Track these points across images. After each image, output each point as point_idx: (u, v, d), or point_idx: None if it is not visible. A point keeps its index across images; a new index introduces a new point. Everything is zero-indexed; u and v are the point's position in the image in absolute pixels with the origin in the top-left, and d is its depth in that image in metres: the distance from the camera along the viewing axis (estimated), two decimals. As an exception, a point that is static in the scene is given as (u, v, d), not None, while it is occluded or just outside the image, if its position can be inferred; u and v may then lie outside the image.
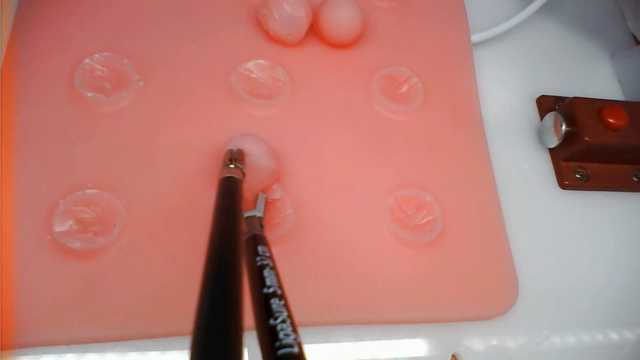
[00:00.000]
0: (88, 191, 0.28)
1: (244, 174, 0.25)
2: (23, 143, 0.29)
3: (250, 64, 0.34)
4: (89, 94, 0.31)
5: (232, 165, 0.25)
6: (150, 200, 0.29)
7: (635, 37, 0.45)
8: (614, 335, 0.32)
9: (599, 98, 0.36)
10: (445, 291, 0.30)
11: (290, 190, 0.30)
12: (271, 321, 0.17)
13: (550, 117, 0.36)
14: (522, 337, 0.31)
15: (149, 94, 0.32)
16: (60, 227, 0.26)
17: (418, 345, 0.29)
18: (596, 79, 0.43)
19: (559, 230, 0.35)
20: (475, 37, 0.40)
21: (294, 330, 0.17)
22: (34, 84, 0.31)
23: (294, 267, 0.28)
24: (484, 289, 0.30)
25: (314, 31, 0.36)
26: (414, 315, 0.29)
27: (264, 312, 0.17)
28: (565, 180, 0.36)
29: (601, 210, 0.36)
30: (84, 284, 0.26)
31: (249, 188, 0.28)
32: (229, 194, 0.23)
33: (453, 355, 0.30)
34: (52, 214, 0.27)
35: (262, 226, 0.26)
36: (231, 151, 0.27)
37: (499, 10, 0.43)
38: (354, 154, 0.33)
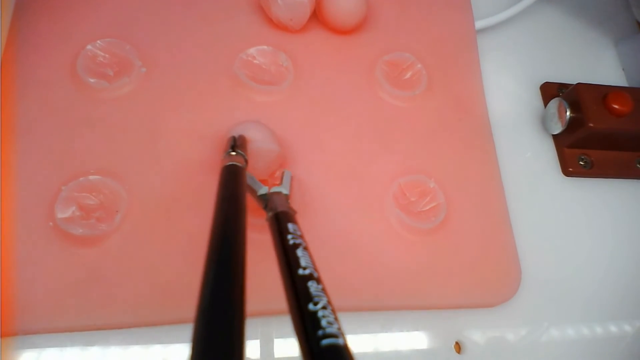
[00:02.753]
0: (91, 177, 0.28)
1: (246, 160, 0.25)
2: (25, 130, 0.29)
3: (252, 50, 0.33)
4: (92, 80, 0.30)
5: (233, 153, 0.25)
6: (152, 186, 0.29)
7: (639, 24, 0.45)
8: (614, 327, 0.32)
9: (604, 84, 0.35)
10: (448, 278, 0.30)
11: (293, 175, 0.30)
12: (310, 306, 0.15)
13: (554, 103, 0.36)
14: (524, 325, 0.31)
15: (152, 80, 0.32)
16: (62, 213, 0.26)
17: (421, 333, 0.29)
18: (600, 66, 0.43)
19: (562, 217, 0.35)
20: (479, 24, 0.40)
21: (337, 319, 0.15)
22: (36, 70, 0.31)
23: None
24: (486, 276, 0.30)
25: (317, 17, 0.36)
26: (416, 302, 0.29)
27: (302, 296, 0.16)
28: (569, 167, 0.36)
29: (605, 198, 0.36)
30: (86, 271, 0.26)
31: (257, 173, 0.28)
32: (231, 182, 0.23)
33: (456, 343, 0.29)
34: (54, 200, 0.27)
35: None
36: (233, 138, 0.26)
37: (503, -3, 0.43)
38: (357, 140, 0.33)
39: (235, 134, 0.27)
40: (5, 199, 0.27)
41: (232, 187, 0.22)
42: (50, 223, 0.26)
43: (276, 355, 0.27)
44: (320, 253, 0.28)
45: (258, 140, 0.27)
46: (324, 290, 0.16)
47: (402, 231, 0.30)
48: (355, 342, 0.28)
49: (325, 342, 0.14)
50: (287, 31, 0.35)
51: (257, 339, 0.27)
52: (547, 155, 0.37)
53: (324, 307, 0.15)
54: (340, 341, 0.14)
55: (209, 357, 0.12)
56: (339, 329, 0.14)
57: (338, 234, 0.29)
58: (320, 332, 0.14)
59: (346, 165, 0.32)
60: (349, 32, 0.36)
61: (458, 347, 0.29)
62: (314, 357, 0.14)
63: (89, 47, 0.31)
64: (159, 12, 0.34)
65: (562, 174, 0.36)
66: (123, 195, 0.28)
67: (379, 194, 0.31)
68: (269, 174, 0.29)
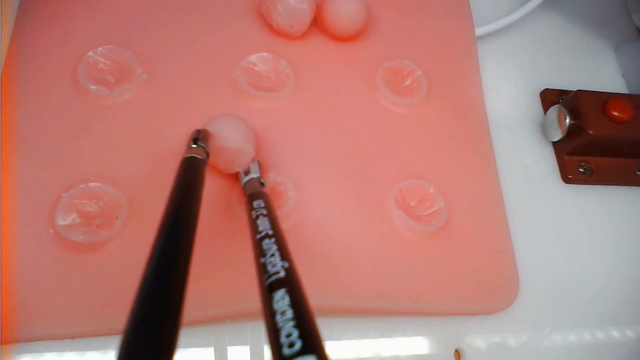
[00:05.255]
0: (91, 184, 0.28)
1: (207, 153, 0.26)
2: (26, 137, 0.29)
3: (253, 57, 0.34)
4: (93, 87, 0.30)
5: (194, 145, 0.25)
6: (153, 193, 0.29)
7: (639, 31, 0.45)
8: (616, 332, 0.32)
9: (603, 91, 0.35)
10: (446, 284, 0.30)
11: (292, 181, 0.30)
12: (262, 259, 0.18)
13: (554, 110, 0.36)
14: (524, 332, 0.31)
15: (153, 87, 0.32)
16: (63, 220, 0.26)
17: (420, 340, 0.29)
18: (600, 73, 0.43)
19: (561, 224, 0.35)
20: (478, 31, 0.40)
21: (283, 259, 0.18)
22: (37, 77, 0.31)
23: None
24: (485, 283, 0.30)
25: (318, 24, 0.36)
26: (415, 306, 0.29)
27: (258, 254, 0.19)
28: (569, 174, 0.36)
29: (604, 205, 0.36)
30: (86, 277, 0.26)
31: (221, 168, 0.28)
32: (187, 172, 0.23)
33: (456, 351, 0.29)
34: (55, 207, 0.27)
35: (262, 184, 0.27)
36: (197, 131, 0.27)
37: (503, 3, 0.43)
38: (357, 147, 0.33)
39: (208, 126, 0.28)
40: (6, 205, 0.27)
41: (187, 177, 0.23)
42: (51, 230, 0.26)
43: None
44: (318, 253, 0.29)
45: (220, 136, 0.27)
46: (276, 242, 0.19)
47: (404, 232, 0.30)
48: (354, 348, 0.28)
49: (268, 281, 0.16)
50: (288, 38, 0.35)
51: (246, 345, 0.27)
52: (546, 162, 0.37)
53: (271, 255, 0.18)
54: (280, 275, 0.17)
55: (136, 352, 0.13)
56: (283, 266, 0.17)
57: (338, 237, 0.29)
58: (265, 276, 0.17)
59: (347, 170, 0.32)
60: (350, 39, 0.36)
61: (458, 354, 0.29)
62: (263, 297, 0.16)
63: (90, 53, 0.31)
64: (160, 19, 0.35)
65: (562, 181, 0.36)
66: (123, 202, 0.28)
67: (379, 199, 0.31)
68: (237, 171, 0.29)
